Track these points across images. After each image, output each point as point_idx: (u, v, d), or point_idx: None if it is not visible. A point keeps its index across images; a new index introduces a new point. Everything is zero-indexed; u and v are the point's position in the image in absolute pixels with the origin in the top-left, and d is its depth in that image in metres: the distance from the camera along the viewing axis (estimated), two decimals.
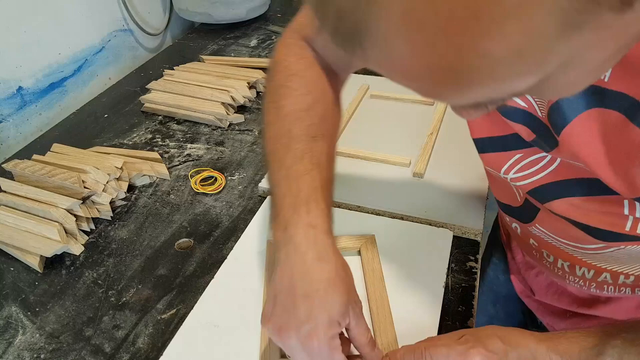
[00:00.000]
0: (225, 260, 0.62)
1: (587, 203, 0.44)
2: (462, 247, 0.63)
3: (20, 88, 0.92)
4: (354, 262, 0.60)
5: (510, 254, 0.71)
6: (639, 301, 0.56)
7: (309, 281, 0.42)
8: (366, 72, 0.87)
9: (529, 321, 0.72)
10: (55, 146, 0.82)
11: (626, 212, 0.42)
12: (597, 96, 0.37)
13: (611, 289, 0.54)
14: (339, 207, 0.69)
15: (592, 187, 0.43)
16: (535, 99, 0.42)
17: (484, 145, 0.50)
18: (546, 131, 0.42)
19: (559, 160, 0.45)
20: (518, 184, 0.48)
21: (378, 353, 0.45)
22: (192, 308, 0.56)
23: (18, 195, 0.70)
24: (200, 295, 0.58)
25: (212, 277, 0.60)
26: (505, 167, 0.48)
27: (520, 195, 0.52)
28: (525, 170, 0.47)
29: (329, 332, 0.41)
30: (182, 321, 0.55)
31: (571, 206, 0.45)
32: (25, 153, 0.85)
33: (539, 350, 0.41)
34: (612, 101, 0.37)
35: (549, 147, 0.43)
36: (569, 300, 0.62)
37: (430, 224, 0.65)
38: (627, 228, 0.43)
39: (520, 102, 0.43)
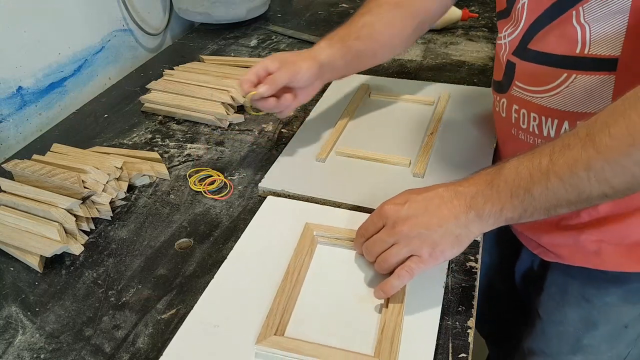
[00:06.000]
0: (225, 260, 0.62)
1: (548, 32, 0.56)
2: None
3: (20, 88, 0.92)
4: None
5: None
6: None
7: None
8: (366, 72, 0.87)
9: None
10: (55, 146, 0.82)
11: (574, 24, 0.53)
12: None
13: None
14: (339, 207, 0.69)
15: (550, 15, 0.55)
16: None
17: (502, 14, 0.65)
18: None
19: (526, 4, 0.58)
20: (510, 38, 0.62)
21: None
22: (192, 308, 0.56)
23: (18, 195, 0.70)
24: (200, 295, 0.58)
25: (212, 277, 0.60)
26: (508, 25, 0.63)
27: (504, 62, 0.64)
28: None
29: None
30: (182, 321, 0.55)
31: (538, 40, 0.58)
32: (25, 153, 0.85)
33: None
34: None
35: None
36: None
37: None
38: (577, 50, 0.54)
39: None
